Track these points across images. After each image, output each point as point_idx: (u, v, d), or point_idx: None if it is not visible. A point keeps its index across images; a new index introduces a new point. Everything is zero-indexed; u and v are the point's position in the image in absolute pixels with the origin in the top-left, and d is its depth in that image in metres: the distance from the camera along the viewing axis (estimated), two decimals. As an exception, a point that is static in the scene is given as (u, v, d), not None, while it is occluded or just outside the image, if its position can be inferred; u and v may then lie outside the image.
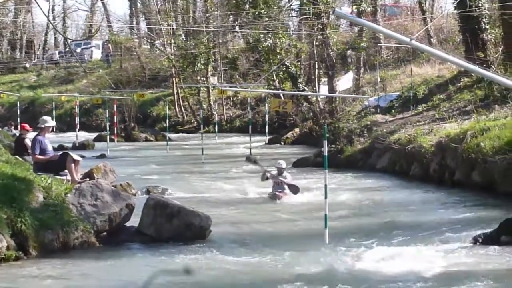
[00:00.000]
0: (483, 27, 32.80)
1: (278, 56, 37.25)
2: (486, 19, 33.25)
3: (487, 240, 15.78)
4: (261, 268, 14.16)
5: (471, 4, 31.31)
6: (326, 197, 15.97)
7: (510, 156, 20.25)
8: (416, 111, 32.35)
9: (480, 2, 32.29)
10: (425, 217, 18.83)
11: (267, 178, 22.79)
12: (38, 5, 25.40)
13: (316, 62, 41.65)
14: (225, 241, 16.45)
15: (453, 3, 37.34)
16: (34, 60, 78.43)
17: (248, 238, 16.84)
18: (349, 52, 41.15)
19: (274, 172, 22.59)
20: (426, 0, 51.20)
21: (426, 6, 50.73)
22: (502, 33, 32.31)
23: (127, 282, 13.24)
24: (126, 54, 66.37)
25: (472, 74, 29.98)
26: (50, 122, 22.31)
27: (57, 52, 78.84)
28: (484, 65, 24.14)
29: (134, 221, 17.06)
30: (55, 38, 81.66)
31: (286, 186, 22.18)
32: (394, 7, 55.24)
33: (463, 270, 13.65)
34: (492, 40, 33.44)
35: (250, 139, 36.73)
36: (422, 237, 16.19)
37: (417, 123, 29.35)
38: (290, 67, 38.12)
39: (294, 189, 22.21)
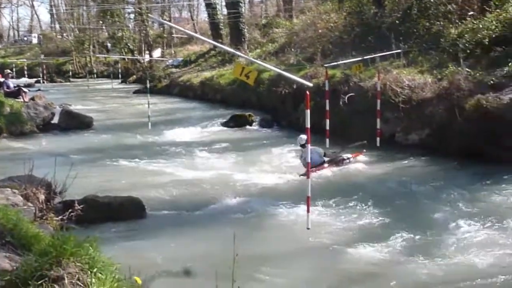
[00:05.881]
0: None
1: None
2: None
3: (224, 124, 16.23)
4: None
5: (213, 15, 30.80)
6: (148, 107, 14.91)
7: (232, 87, 20.55)
8: (190, 67, 31.73)
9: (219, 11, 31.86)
10: (198, 113, 18.66)
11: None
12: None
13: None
14: (103, 128, 15.76)
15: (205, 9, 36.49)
16: (2, 44, 69.04)
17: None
18: (158, 39, 39.85)
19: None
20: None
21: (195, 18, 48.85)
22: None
23: (52, 149, 12.56)
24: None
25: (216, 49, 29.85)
26: (9, 71, 21.06)
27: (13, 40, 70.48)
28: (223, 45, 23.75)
29: (55, 120, 16.38)
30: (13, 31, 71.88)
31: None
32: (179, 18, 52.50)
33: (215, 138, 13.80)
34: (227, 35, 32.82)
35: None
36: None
37: (191, 72, 28.84)
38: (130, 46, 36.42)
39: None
